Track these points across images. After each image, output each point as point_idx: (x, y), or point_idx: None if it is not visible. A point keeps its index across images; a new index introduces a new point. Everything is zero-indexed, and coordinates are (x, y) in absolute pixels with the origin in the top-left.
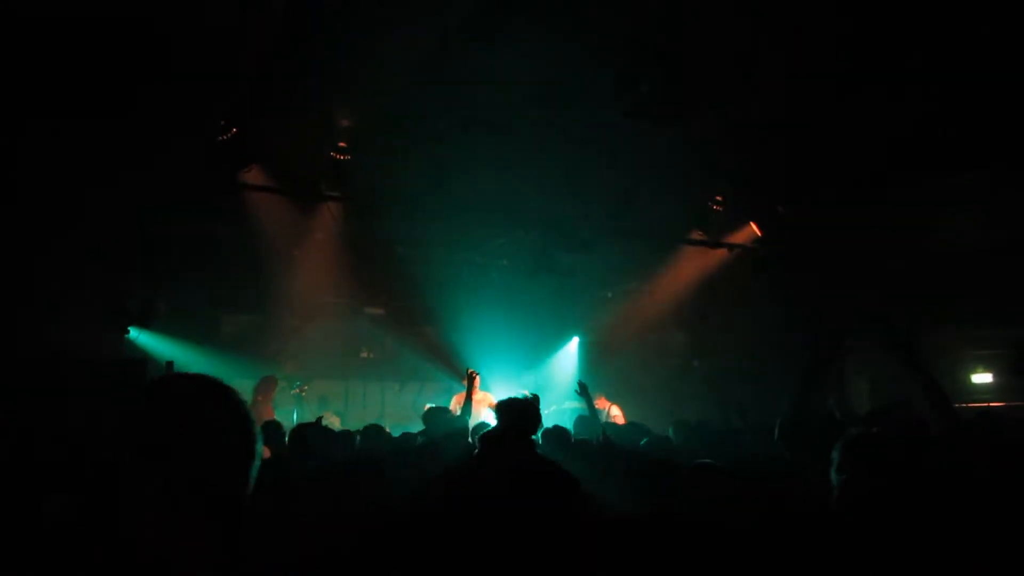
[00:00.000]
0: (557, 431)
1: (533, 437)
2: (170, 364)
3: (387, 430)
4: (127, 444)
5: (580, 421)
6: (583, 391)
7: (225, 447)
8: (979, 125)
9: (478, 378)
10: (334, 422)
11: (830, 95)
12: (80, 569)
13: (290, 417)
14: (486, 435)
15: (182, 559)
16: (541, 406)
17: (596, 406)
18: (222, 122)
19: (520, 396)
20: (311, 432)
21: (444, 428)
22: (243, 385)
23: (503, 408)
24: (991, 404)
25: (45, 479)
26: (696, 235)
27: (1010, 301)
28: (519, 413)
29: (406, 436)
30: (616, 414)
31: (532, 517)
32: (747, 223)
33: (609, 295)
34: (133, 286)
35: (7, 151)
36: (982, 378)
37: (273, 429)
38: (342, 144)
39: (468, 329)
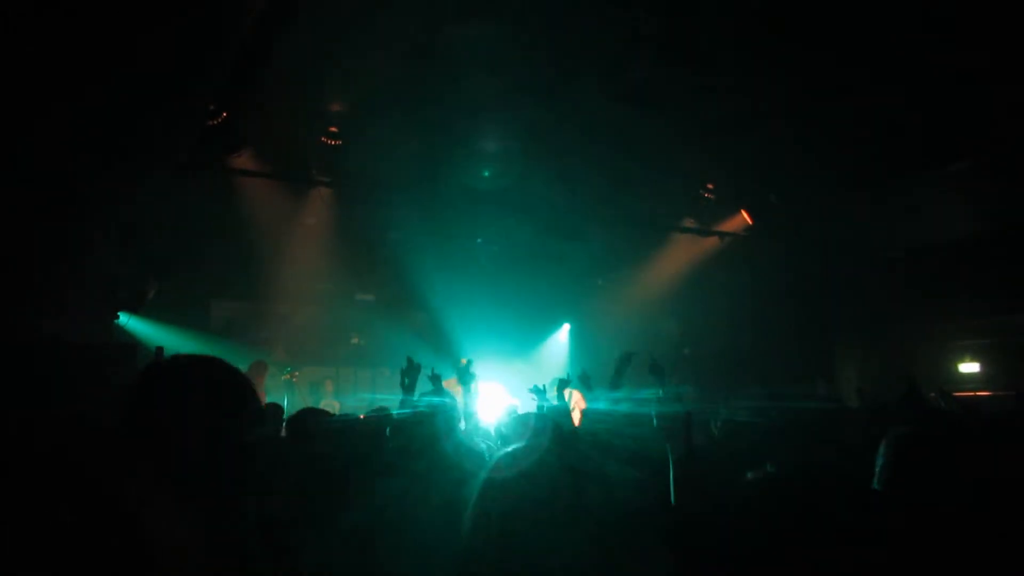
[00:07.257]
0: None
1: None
2: (160, 350)
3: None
4: (127, 428)
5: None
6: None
7: (230, 430)
8: (965, 118)
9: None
10: (334, 406)
11: (823, 86)
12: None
13: (280, 403)
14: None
15: (176, 543)
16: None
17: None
18: (211, 106)
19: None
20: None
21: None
22: None
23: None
24: (978, 393)
25: (41, 466)
26: (688, 223)
27: (997, 291)
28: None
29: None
30: (577, 399)
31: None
32: (738, 211)
33: (600, 282)
34: (123, 271)
35: None
36: (969, 367)
37: (274, 411)
38: (333, 129)
39: (459, 315)
